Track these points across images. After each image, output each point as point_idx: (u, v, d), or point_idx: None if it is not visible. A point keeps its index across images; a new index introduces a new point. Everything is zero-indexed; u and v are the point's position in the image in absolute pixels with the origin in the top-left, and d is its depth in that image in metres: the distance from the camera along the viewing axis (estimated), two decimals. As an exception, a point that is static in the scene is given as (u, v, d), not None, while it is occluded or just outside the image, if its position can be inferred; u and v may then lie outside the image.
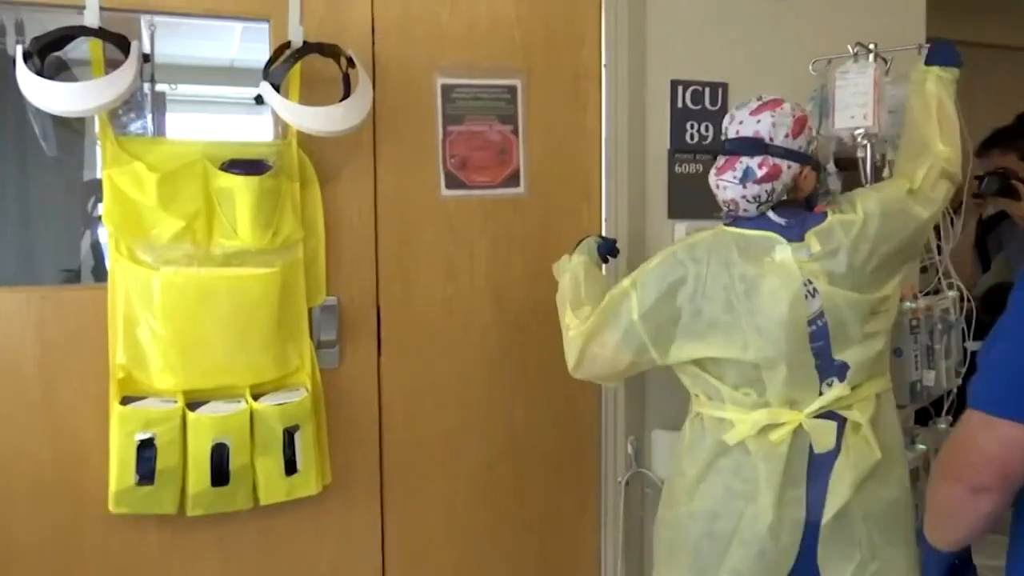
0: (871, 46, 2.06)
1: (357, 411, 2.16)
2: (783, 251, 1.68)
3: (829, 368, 1.68)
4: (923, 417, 2.28)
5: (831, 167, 2.13)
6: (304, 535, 2.13)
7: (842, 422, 1.68)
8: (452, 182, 2.21)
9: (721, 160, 1.73)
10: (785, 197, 1.71)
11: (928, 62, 1.97)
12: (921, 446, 2.07)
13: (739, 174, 1.68)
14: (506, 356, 2.30)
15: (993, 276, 2.83)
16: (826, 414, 1.67)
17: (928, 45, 2.00)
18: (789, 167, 1.67)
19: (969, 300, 2.24)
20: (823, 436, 1.66)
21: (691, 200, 2.40)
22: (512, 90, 2.25)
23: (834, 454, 1.67)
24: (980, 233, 2.84)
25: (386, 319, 2.18)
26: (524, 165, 2.28)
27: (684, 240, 1.80)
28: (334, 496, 2.11)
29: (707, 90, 2.41)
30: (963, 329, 2.23)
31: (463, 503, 2.29)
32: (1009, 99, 2.98)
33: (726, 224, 1.76)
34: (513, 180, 2.27)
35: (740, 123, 1.71)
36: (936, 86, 1.93)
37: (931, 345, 2.05)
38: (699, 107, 2.40)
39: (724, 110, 2.42)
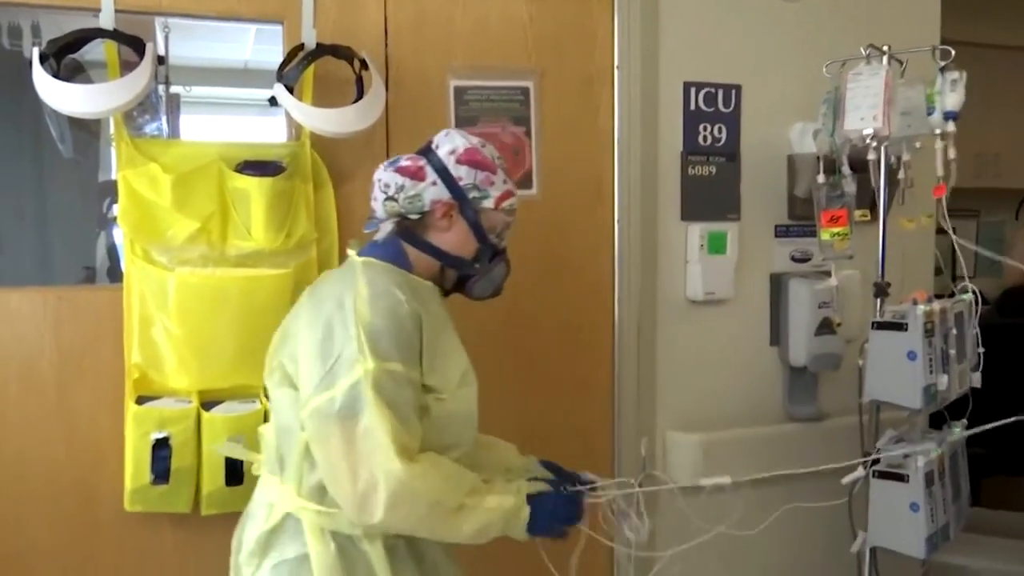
0: (884, 48, 2.05)
1: (370, 412, 2.16)
2: None
3: None
4: (937, 422, 2.27)
5: (846, 170, 2.12)
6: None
7: None
8: (465, 184, 2.21)
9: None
10: None
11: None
12: (935, 450, 2.06)
13: None
14: (518, 356, 2.30)
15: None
16: None
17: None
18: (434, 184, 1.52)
19: (985, 303, 2.23)
20: None
21: (704, 202, 2.39)
22: (525, 92, 2.26)
23: None
24: None
25: (399, 320, 2.18)
26: (537, 167, 2.28)
27: None
28: (347, 496, 2.11)
29: (720, 92, 2.40)
30: (976, 333, 2.21)
31: (475, 504, 2.29)
32: (1025, 101, 2.97)
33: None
34: (526, 182, 2.27)
35: None
36: None
37: (945, 349, 2.04)
38: (712, 109, 2.40)
39: (738, 112, 2.42)
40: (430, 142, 1.56)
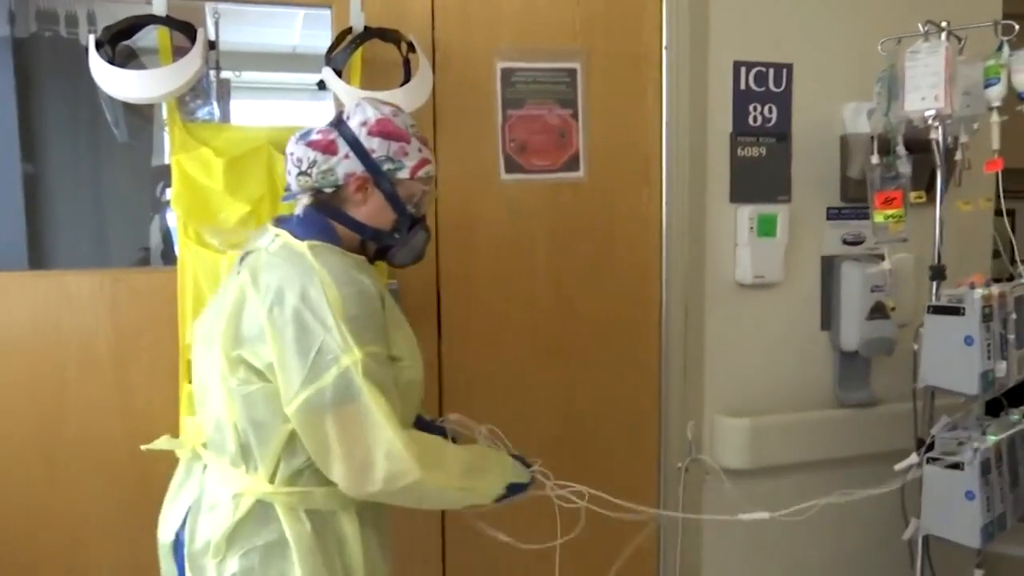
0: (943, 24, 1.99)
1: (417, 394, 2.18)
2: None
3: None
4: (995, 408, 2.22)
5: (901, 150, 2.07)
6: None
7: None
8: (512, 166, 2.21)
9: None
10: None
11: None
12: (992, 437, 2.01)
13: None
14: (565, 339, 2.30)
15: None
16: None
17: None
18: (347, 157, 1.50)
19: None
20: None
21: (754, 184, 2.36)
22: (572, 73, 2.24)
23: None
24: None
25: (446, 303, 2.20)
26: (584, 149, 2.26)
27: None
28: (394, 477, 2.13)
29: (771, 71, 2.36)
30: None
31: (521, 486, 2.30)
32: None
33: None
34: (573, 164, 2.26)
35: None
36: None
37: (1004, 334, 1.99)
38: (763, 89, 2.35)
39: (789, 91, 2.38)
40: (341, 113, 1.53)
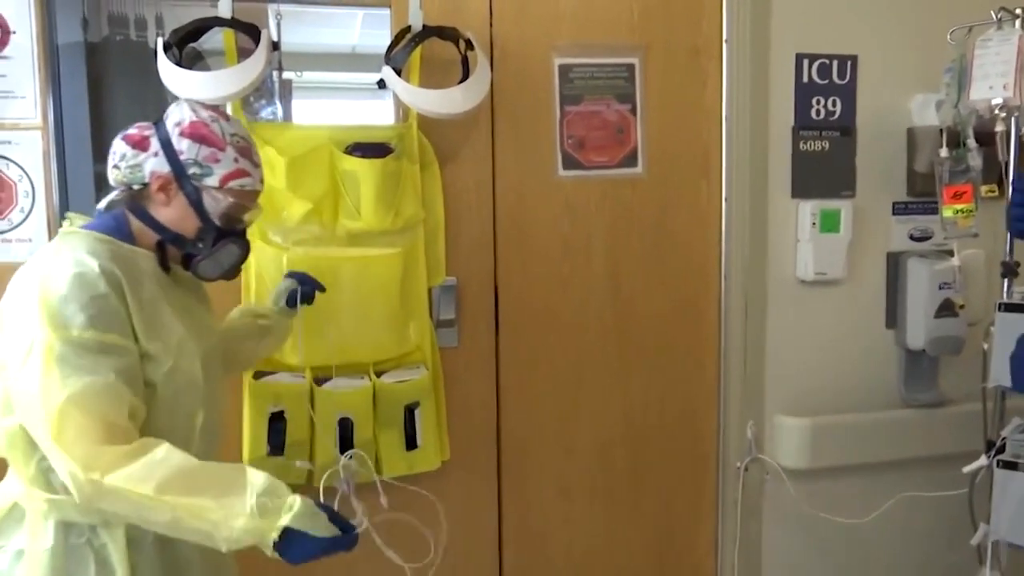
0: (1017, 11, 1.93)
1: (475, 389, 2.20)
2: None
3: None
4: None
5: (971, 143, 2.01)
6: (424, 509, 2.18)
7: None
8: (569, 163, 2.21)
9: None
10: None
11: None
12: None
13: None
14: (622, 337, 2.29)
15: None
16: None
17: None
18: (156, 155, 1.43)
19: None
20: None
21: (816, 179, 2.31)
22: (630, 68, 2.22)
23: None
24: None
25: (504, 299, 2.20)
26: (642, 144, 2.24)
27: None
28: (452, 472, 2.15)
29: (835, 63, 2.31)
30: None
31: (578, 483, 2.30)
32: None
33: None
34: (631, 160, 2.24)
35: None
36: None
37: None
38: (826, 81, 2.31)
39: (853, 84, 2.32)
40: (165, 112, 1.47)
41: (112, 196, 1.47)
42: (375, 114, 2.19)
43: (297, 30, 2.11)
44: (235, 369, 1.82)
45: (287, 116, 2.15)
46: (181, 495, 1.23)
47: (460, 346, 2.17)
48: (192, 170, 1.42)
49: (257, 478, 1.28)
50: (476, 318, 2.18)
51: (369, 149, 1.96)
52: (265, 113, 2.13)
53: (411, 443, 2.03)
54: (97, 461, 1.21)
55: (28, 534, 1.33)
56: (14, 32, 1.91)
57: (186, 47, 1.89)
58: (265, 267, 1.94)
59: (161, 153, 1.42)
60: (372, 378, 1.99)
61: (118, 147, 1.44)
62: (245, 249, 1.52)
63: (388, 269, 1.98)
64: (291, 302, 1.82)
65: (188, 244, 1.46)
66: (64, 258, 1.31)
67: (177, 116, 1.44)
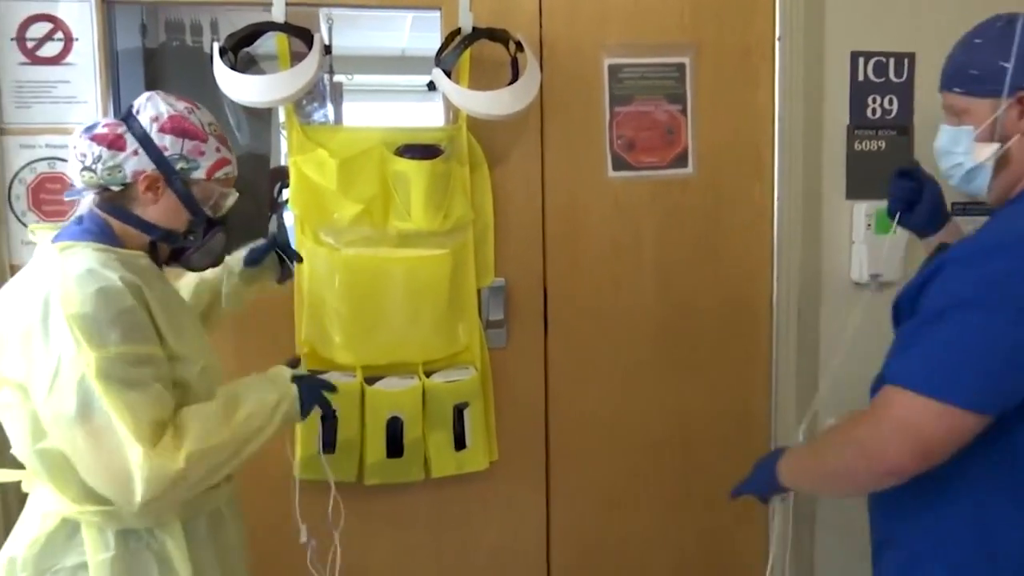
0: (1085, 5, 1.87)
1: (523, 390, 2.20)
2: None
3: None
4: None
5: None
6: (472, 508, 2.20)
7: None
8: (619, 163, 2.19)
9: None
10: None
11: None
12: None
13: None
14: (672, 338, 2.27)
15: None
16: None
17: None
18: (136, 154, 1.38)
19: None
20: None
21: (872, 179, 2.26)
22: (680, 68, 2.20)
23: None
24: None
25: (553, 300, 2.20)
26: (692, 145, 2.22)
27: None
28: (501, 472, 2.16)
29: (891, 61, 2.26)
30: None
31: (627, 485, 2.28)
32: None
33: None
34: (681, 160, 2.22)
35: None
36: None
37: None
38: (882, 79, 2.26)
39: (911, 82, 2.27)
40: (131, 106, 1.42)
41: (90, 199, 1.42)
42: (425, 116, 2.20)
43: (348, 34, 2.14)
44: None
45: (338, 119, 2.18)
46: (232, 419, 1.35)
47: (509, 347, 2.17)
48: (179, 165, 1.40)
49: (253, 377, 1.46)
50: (525, 319, 2.18)
51: (419, 151, 1.98)
52: (317, 116, 2.16)
53: (460, 443, 2.04)
54: (165, 450, 1.26)
55: (89, 546, 1.34)
56: (77, 39, 1.97)
57: (240, 52, 1.92)
58: (317, 268, 1.97)
59: (141, 151, 1.38)
60: (422, 378, 2.00)
61: (87, 148, 1.37)
62: (226, 235, 1.53)
63: (438, 270, 1.99)
64: (251, 260, 1.76)
65: (179, 238, 1.45)
66: (78, 275, 1.28)
67: (152, 111, 1.40)
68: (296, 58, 1.92)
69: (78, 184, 1.40)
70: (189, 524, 1.41)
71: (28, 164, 1.98)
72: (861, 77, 2.25)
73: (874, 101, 2.26)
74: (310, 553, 1.72)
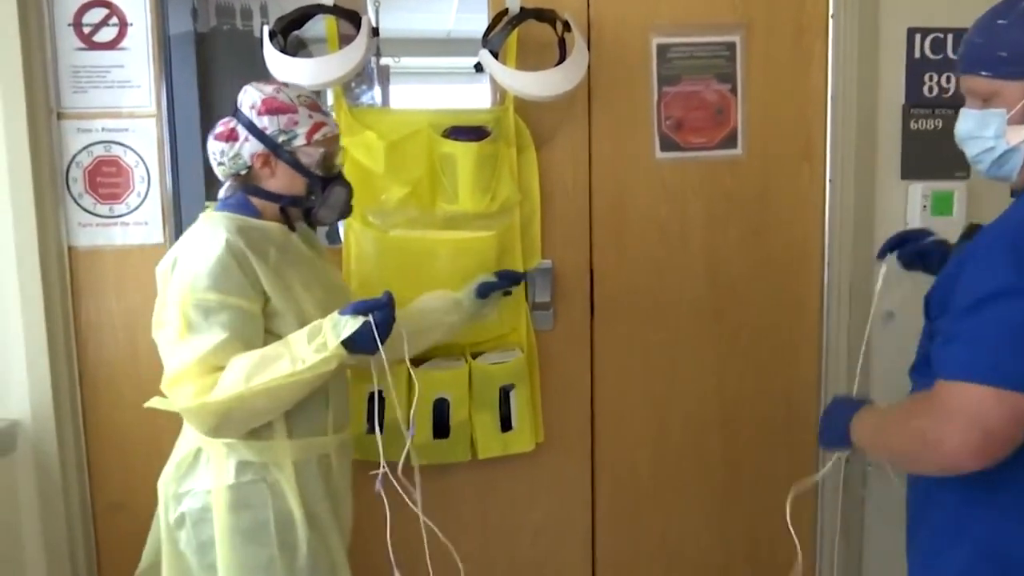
0: None
1: (570, 372, 2.20)
2: None
3: None
4: None
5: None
6: (518, 490, 2.21)
7: None
8: (667, 144, 2.17)
9: None
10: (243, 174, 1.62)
11: None
12: None
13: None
14: (719, 321, 2.24)
15: None
16: None
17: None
18: (247, 139, 1.58)
19: None
20: None
21: (929, 159, 2.21)
22: (731, 47, 2.17)
23: None
24: None
25: (599, 282, 2.19)
26: (742, 125, 2.19)
27: None
28: (547, 454, 2.16)
29: (950, 37, 2.19)
30: None
31: (672, 468, 2.28)
32: None
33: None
34: (730, 141, 2.19)
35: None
36: None
37: None
38: (940, 56, 2.20)
39: (970, 58, 2.20)
40: (235, 101, 1.63)
41: (230, 184, 1.64)
42: (472, 98, 2.20)
43: (395, 16, 2.13)
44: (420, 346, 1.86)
45: (385, 101, 2.18)
46: (262, 375, 1.44)
47: (555, 329, 2.17)
48: (281, 139, 1.58)
49: (300, 333, 1.49)
50: (571, 301, 2.18)
51: (466, 132, 1.98)
52: (365, 98, 2.16)
53: (506, 425, 2.05)
54: (201, 393, 1.45)
55: (214, 473, 1.55)
56: (131, 24, 2.00)
57: (290, 35, 1.94)
58: (364, 249, 1.98)
59: (250, 136, 1.58)
60: (468, 360, 2.01)
61: (214, 147, 1.61)
62: (348, 187, 1.68)
63: (484, 251, 2.00)
64: (481, 293, 1.90)
65: (304, 201, 1.62)
66: (203, 234, 1.53)
67: (249, 100, 1.60)
68: (344, 41, 1.93)
69: (220, 178, 1.65)
70: (300, 464, 1.58)
71: (85, 148, 2.02)
72: (917, 54, 2.19)
73: (931, 79, 2.20)
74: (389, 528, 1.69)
